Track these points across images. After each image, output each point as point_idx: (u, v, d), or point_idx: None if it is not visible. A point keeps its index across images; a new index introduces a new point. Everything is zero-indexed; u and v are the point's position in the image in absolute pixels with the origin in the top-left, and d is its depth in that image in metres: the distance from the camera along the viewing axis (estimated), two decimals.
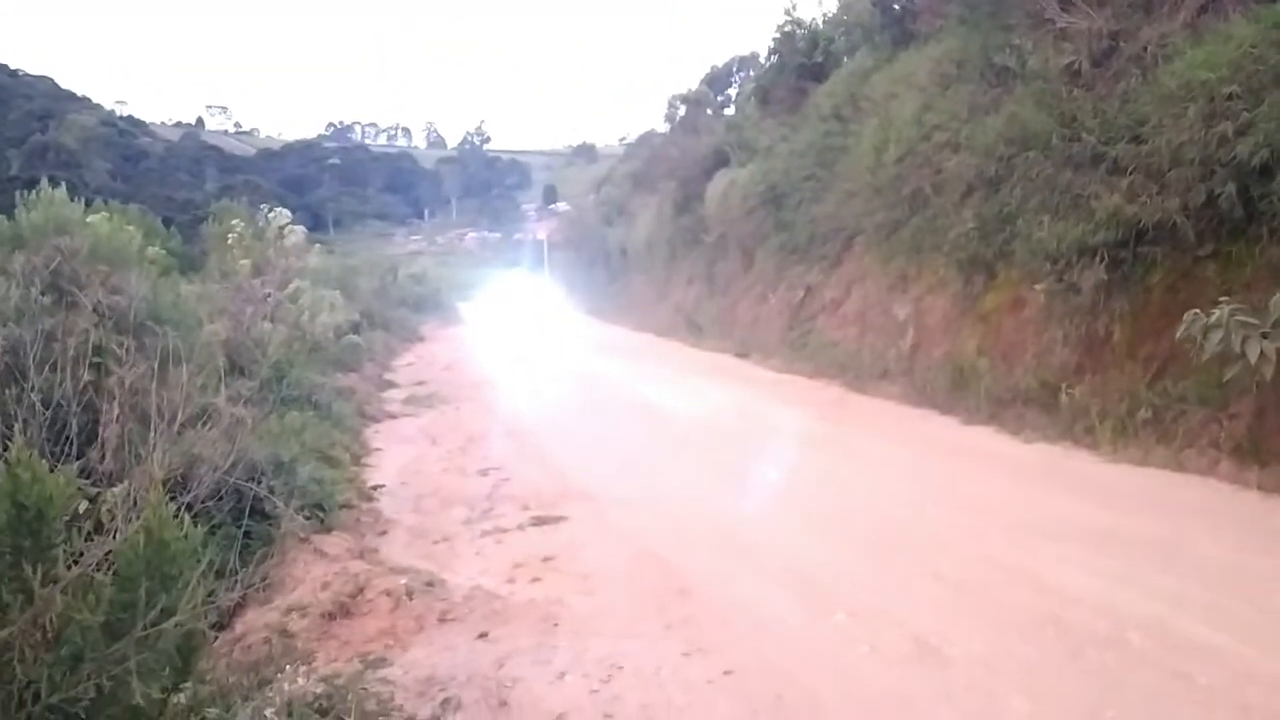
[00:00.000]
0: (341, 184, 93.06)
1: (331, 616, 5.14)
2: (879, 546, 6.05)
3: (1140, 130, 8.65)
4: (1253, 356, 6.52)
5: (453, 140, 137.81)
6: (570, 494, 7.93)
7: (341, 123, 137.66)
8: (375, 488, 8.25)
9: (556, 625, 5.08)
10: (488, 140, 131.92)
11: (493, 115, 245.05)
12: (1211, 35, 8.52)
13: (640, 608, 5.28)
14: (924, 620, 4.81)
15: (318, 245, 18.98)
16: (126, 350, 4.87)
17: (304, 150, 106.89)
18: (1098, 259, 8.77)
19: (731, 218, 19.90)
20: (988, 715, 3.83)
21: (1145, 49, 9.38)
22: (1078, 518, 6.39)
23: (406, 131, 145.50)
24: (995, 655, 4.36)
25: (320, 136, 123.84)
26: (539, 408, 12.95)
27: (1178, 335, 7.17)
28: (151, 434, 3.80)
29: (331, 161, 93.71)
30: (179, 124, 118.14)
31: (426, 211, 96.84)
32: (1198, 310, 6.95)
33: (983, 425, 9.42)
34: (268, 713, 3.70)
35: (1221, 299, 6.85)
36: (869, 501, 7.19)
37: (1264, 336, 6.53)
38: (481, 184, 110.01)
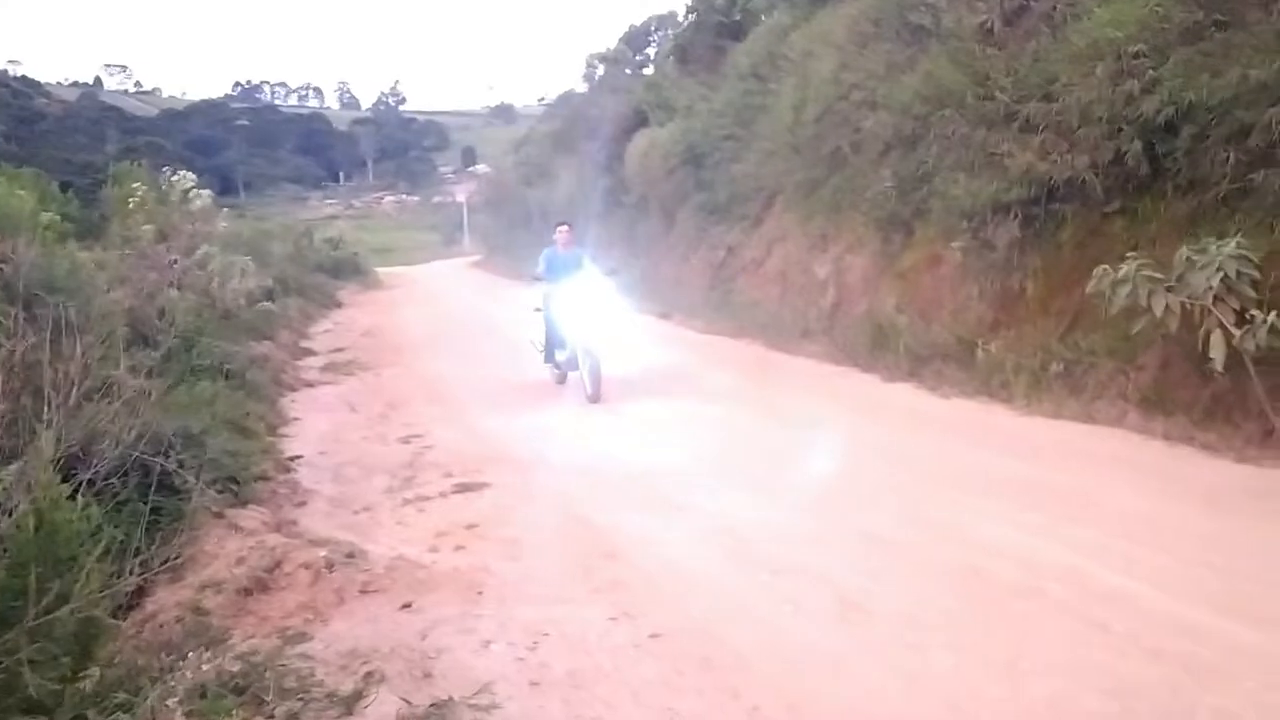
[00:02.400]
0: (251, 146, 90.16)
1: (248, 592, 5.00)
2: (804, 504, 6.09)
3: (1051, 89, 8.78)
4: (1158, 310, 6.69)
5: (367, 101, 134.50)
6: (496, 458, 7.83)
7: (249, 82, 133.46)
8: (293, 458, 8.04)
9: (481, 593, 5.02)
10: (403, 101, 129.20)
11: (408, 75, 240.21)
12: None
13: (567, 572, 5.24)
14: (849, 577, 4.86)
15: (226, 209, 18.36)
16: (15, 321, 4.62)
17: (210, 111, 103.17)
18: (1011, 216, 8.92)
19: (652, 178, 19.78)
20: (911, 669, 3.88)
21: (1055, 8, 9.52)
22: (997, 471, 6.52)
23: (318, 92, 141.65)
24: (919, 610, 4.42)
25: (227, 97, 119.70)
26: (462, 372, 12.76)
27: (1087, 290, 7.32)
28: (46, 409, 3.62)
29: (240, 123, 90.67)
30: (76, 84, 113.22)
31: (342, 174, 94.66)
32: (1106, 265, 7.10)
33: (903, 382, 9.55)
34: (179, 693, 3.58)
35: (1129, 254, 7.01)
36: (793, 460, 7.24)
37: (1168, 290, 6.70)
38: (398, 146, 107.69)
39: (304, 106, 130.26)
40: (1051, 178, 8.41)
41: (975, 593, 4.58)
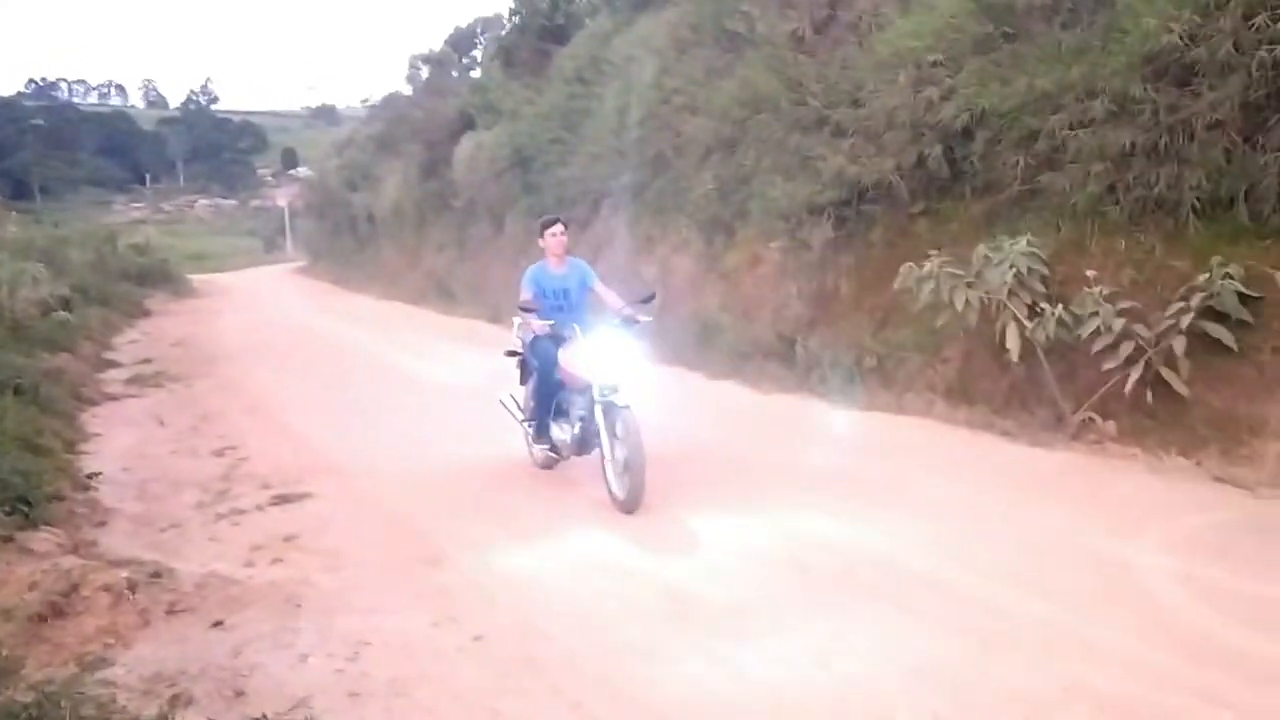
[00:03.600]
0: (47, 147, 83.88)
1: (42, 619, 4.64)
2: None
3: (859, 95, 9.20)
4: (959, 305, 7.10)
5: (175, 99, 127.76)
6: (317, 469, 7.57)
7: (45, 80, 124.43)
8: (91, 475, 7.53)
9: (299, 606, 4.83)
10: (215, 100, 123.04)
11: (220, 74, 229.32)
12: (918, 5, 9.15)
13: (389, 580, 5.11)
14: (675, 570, 4.93)
15: (18, 214, 17.07)
16: None
17: (1, 110, 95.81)
18: (825, 217, 9.29)
19: (480, 181, 19.60)
20: (732, 658, 3.96)
21: (860, 17, 9.96)
22: (815, 463, 6.77)
23: (121, 89, 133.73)
24: (743, 600, 4.53)
25: (20, 95, 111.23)
26: (281, 381, 12.28)
27: (895, 287, 7.70)
28: None
29: (35, 122, 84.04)
30: None
31: (148, 176, 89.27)
32: (912, 263, 7.48)
33: (726, 379, 9.78)
34: None
35: (931, 252, 7.40)
36: None
37: (969, 286, 7.11)
38: (211, 147, 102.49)
39: (105, 105, 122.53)
40: (861, 180, 8.80)
41: (796, 581, 4.72)
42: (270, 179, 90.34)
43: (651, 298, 6.82)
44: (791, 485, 6.26)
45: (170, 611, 4.77)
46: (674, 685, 3.78)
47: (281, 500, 6.75)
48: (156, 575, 5.13)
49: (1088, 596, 4.29)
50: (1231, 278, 5.90)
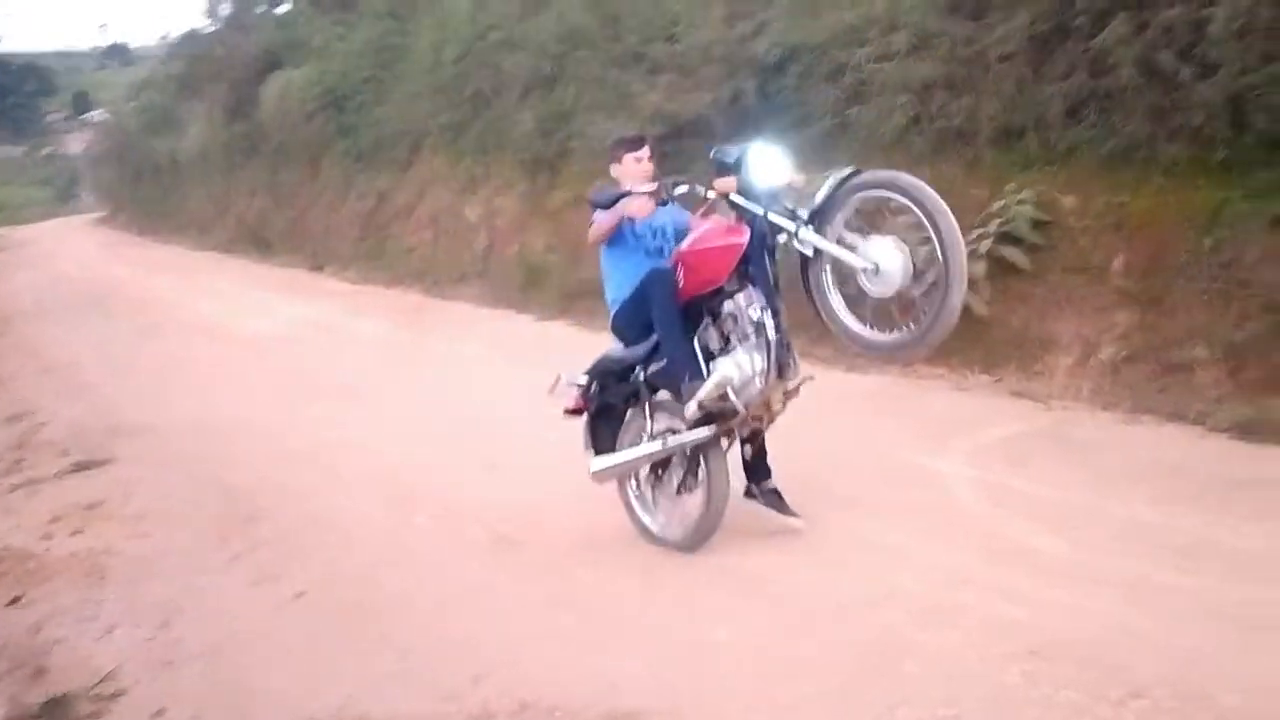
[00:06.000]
0: None
1: None
2: (459, 446, 6.08)
3: (674, 30, 9.18)
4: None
5: None
6: (123, 430, 7.16)
7: None
8: None
9: (104, 577, 4.61)
10: None
11: None
12: None
13: (203, 543, 4.92)
14: (498, 510, 4.91)
15: None
16: None
17: None
18: None
19: (291, 123, 18.60)
20: (561, 590, 4.00)
21: None
22: None
23: None
24: (564, 538, 4.56)
25: None
26: (82, 339, 11.49)
27: None
28: None
29: None
30: None
31: None
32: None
33: (555, 320, 9.74)
34: None
35: None
36: (447, 403, 7.19)
37: None
38: None
39: None
40: (679, 116, 8.82)
41: (605, 511, 4.79)
42: (61, 124, 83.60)
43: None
44: None
45: None
46: (503, 619, 3.78)
47: (82, 467, 6.38)
48: None
49: (898, 506, 4.52)
50: (1024, 203, 6.23)
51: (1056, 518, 4.22)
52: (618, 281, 4.35)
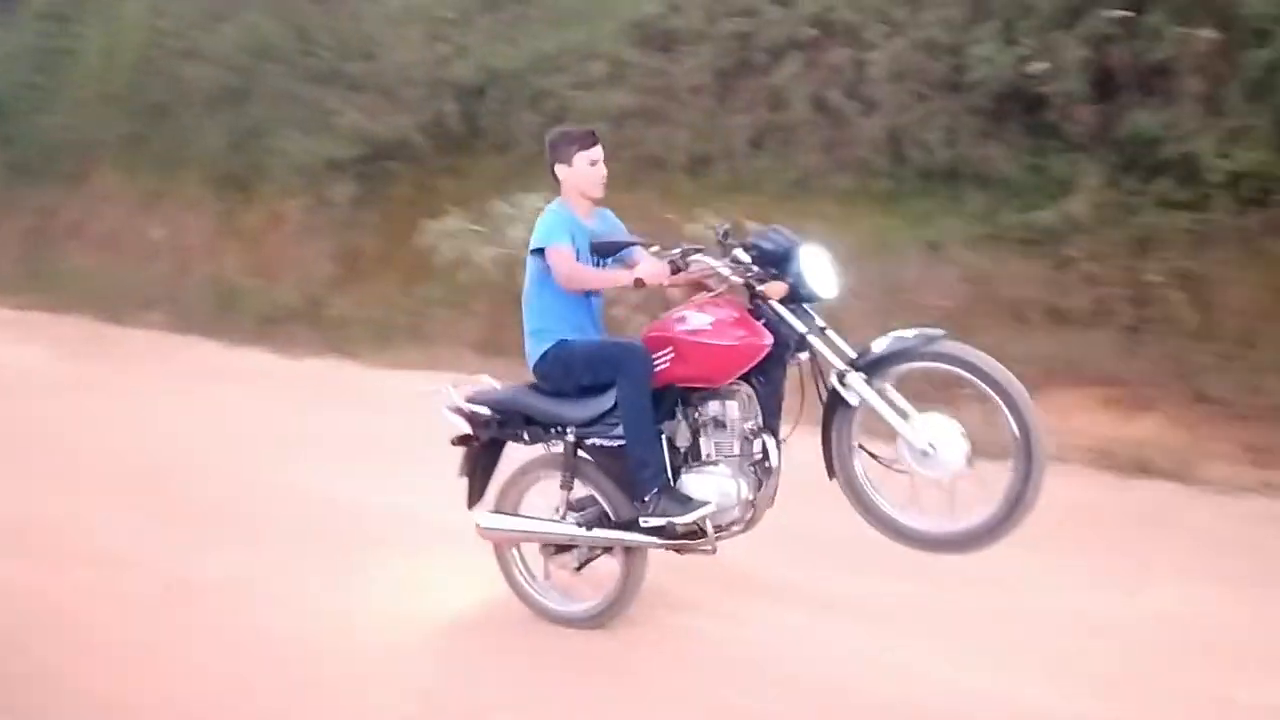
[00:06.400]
0: None
1: None
2: (138, 488, 5.56)
3: (372, 49, 9.01)
4: (481, 260, 7.28)
5: None
6: None
7: None
8: None
9: None
10: None
11: None
12: None
13: None
14: (177, 555, 4.57)
15: None
16: None
17: None
18: (348, 174, 9.03)
19: None
20: (236, 626, 3.81)
21: None
22: (341, 426, 6.59)
23: None
24: (243, 573, 4.36)
25: None
26: None
27: (419, 244, 7.70)
28: None
29: None
30: None
31: None
32: (432, 220, 7.52)
33: (251, 346, 9.18)
34: None
35: (450, 209, 7.49)
36: (127, 442, 6.56)
37: (490, 243, 7.31)
38: None
39: None
40: (381, 137, 8.66)
41: (314, 539, 4.67)
42: None
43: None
44: (314, 449, 6.06)
45: None
46: (175, 668, 3.53)
47: None
48: None
49: None
50: (713, 227, 6.62)
51: None
52: (558, 314, 3.59)
